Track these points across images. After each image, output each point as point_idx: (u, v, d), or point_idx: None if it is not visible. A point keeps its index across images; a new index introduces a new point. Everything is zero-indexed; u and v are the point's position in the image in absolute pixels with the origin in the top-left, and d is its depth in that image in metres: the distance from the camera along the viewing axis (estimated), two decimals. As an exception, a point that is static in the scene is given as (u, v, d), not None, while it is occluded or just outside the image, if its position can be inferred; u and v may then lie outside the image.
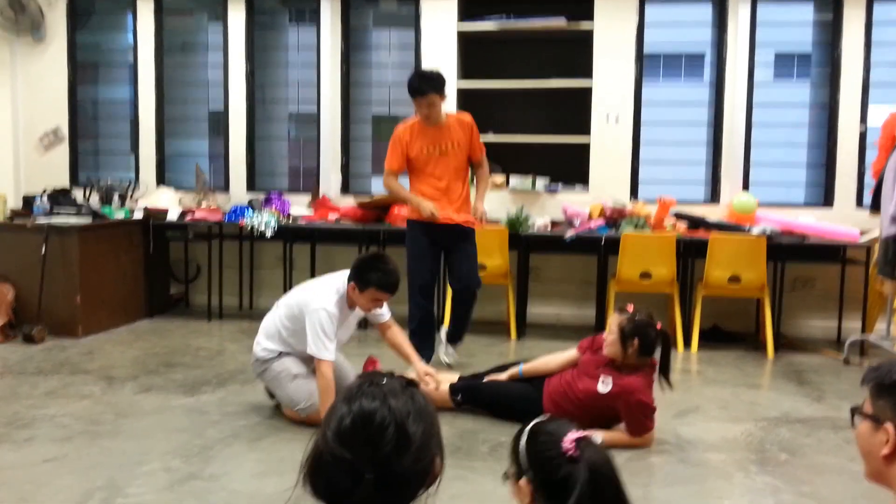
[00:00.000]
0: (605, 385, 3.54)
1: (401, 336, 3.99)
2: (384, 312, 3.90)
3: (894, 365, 1.48)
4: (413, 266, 4.72)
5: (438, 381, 3.93)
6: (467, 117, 4.76)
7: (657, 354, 3.60)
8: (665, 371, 3.59)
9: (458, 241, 4.70)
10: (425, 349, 4.55)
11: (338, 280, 3.72)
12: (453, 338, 4.89)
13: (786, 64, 8.12)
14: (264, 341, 3.83)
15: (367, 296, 3.60)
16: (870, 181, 5.47)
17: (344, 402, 1.26)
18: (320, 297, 3.63)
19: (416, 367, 3.91)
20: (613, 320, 3.59)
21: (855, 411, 1.51)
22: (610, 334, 3.58)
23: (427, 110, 4.48)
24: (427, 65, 6.19)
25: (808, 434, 3.74)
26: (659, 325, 3.55)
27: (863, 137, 5.80)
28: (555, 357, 3.89)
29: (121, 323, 5.86)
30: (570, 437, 1.51)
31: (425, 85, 4.44)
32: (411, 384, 1.33)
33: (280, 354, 3.79)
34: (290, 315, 3.74)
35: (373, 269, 3.59)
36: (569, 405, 3.60)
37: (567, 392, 3.66)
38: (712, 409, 4.12)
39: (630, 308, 3.59)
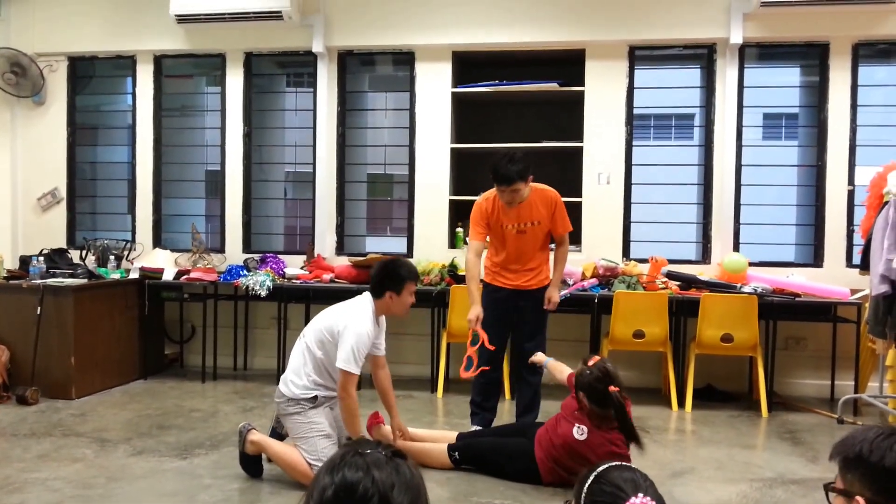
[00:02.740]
0: (580, 433, 3.64)
1: (388, 382, 4.15)
2: (381, 345, 4.09)
3: (857, 437, 1.50)
4: (484, 329, 4.56)
5: (409, 436, 4.14)
6: (552, 193, 4.50)
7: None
8: (626, 433, 3.59)
9: (529, 307, 4.55)
10: (487, 413, 4.63)
11: (363, 302, 3.91)
12: (526, 414, 4.64)
13: (774, 125, 8.29)
14: (294, 376, 3.85)
15: (406, 292, 3.90)
16: (858, 240, 5.55)
17: (327, 473, 1.25)
18: (359, 319, 3.78)
19: (392, 421, 4.13)
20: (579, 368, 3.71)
21: (828, 488, 1.53)
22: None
23: (510, 197, 4.30)
24: (422, 126, 6.35)
25: (804, 495, 3.72)
26: (612, 388, 3.52)
27: (850, 197, 5.90)
28: (564, 370, 4.07)
29: (115, 384, 5.85)
30: (635, 501, 1.48)
31: (514, 174, 4.21)
32: (398, 455, 1.31)
33: (315, 399, 3.81)
34: (321, 341, 3.81)
35: (397, 268, 3.93)
36: (554, 450, 3.73)
37: (552, 437, 3.78)
38: (707, 469, 4.11)
39: (591, 362, 3.64)
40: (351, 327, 3.72)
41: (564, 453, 3.69)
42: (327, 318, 3.85)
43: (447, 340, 5.78)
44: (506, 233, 4.47)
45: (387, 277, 3.90)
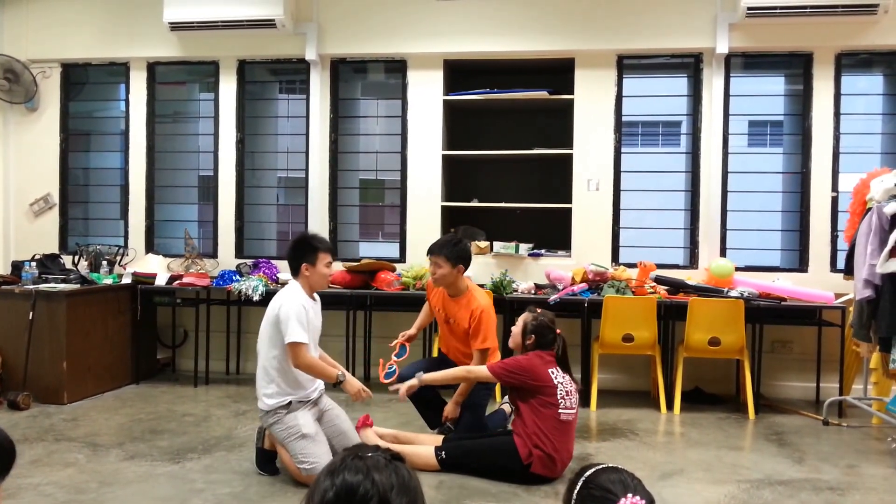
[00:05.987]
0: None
1: None
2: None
3: None
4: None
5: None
6: (477, 305, 4.41)
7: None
8: (564, 365, 4.03)
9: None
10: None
11: (290, 286, 4.02)
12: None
13: (760, 132, 8.38)
14: (263, 388, 3.92)
15: (321, 263, 3.99)
16: (843, 245, 5.64)
17: (327, 476, 1.29)
18: (290, 296, 3.91)
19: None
20: (522, 317, 4.10)
21: None
22: (515, 327, 4.12)
23: (433, 269, 4.52)
24: (414, 134, 6.40)
25: (791, 496, 3.78)
26: (559, 331, 4.05)
27: (834, 203, 6.00)
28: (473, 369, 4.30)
29: (107, 389, 5.86)
30: (625, 502, 1.51)
31: (438, 249, 4.48)
32: (396, 458, 1.35)
33: (290, 404, 3.87)
34: (269, 338, 3.90)
35: (310, 240, 4.07)
36: (512, 382, 4.01)
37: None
38: (696, 471, 4.16)
39: (538, 310, 4.11)
40: (285, 305, 3.84)
41: (516, 376, 3.92)
42: (266, 317, 3.94)
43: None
44: (438, 315, 4.76)
45: (300, 250, 4.00)
